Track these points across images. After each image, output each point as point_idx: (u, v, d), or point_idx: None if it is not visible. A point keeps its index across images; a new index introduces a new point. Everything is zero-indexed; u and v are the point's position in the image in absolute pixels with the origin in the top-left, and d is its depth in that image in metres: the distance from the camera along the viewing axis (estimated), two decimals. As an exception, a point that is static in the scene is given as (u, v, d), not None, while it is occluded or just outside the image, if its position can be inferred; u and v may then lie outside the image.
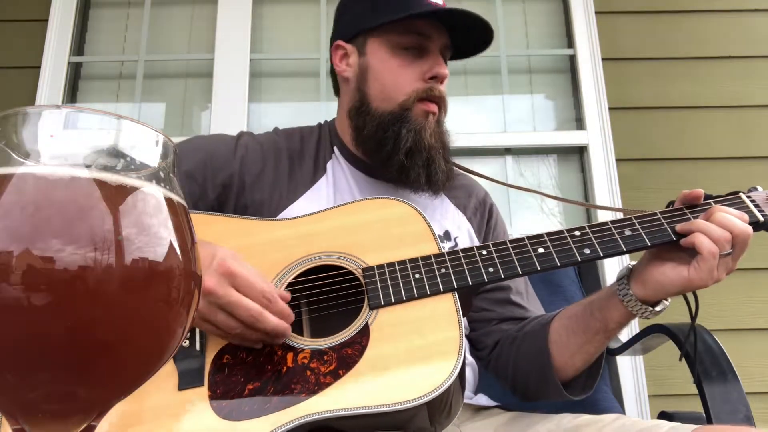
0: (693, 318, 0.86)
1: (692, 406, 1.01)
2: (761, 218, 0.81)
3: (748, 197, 0.83)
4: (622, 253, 0.80)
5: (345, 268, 0.81)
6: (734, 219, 0.77)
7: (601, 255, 0.80)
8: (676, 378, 1.68)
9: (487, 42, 1.02)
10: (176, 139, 0.40)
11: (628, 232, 0.81)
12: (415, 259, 0.80)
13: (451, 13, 0.95)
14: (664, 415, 1.09)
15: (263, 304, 0.71)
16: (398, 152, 0.94)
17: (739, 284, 1.79)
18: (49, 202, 0.26)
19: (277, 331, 0.72)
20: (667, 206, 0.87)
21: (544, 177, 2.05)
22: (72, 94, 2.07)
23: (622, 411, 1.18)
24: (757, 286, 1.81)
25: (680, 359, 0.91)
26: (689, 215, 0.81)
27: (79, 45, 2.11)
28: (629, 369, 1.72)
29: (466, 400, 0.93)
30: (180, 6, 2.19)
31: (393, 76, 0.97)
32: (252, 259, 0.80)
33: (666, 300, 0.82)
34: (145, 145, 0.30)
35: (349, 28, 1.03)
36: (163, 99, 2.13)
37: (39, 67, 1.98)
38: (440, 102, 0.98)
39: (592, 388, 0.91)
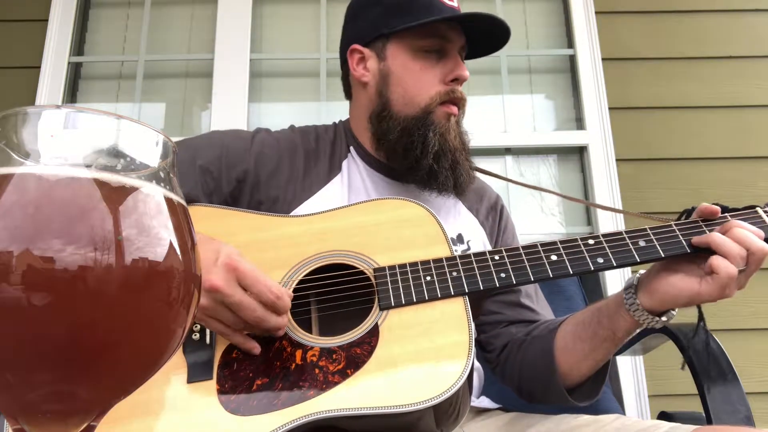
0: (699, 325, 0.86)
1: (692, 406, 1.01)
2: None
3: (765, 212, 0.82)
4: (636, 263, 0.79)
5: (356, 268, 0.80)
6: (751, 236, 0.76)
7: (615, 265, 0.78)
8: (676, 378, 1.68)
9: (502, 42, 1.02)
10: (176, 139, 0.40)
11: (642, 243, 0.80)
12: (427, 262, 0.79)
13: (473, 17, 0.96)
14: (664, 415, 1.10)
15: (269, 301, 0.71)
16: (426, 156, 0.94)
17: (739, 284, 1.78)
18: (50, 202, 0.26)
19: (278, 327, 0.73)
20: (681, 215, 0.86)
21: (544, 177, 2.05)
22: (72, 94, 2.07)
23: (622, 411, 1.18)
24: (757, 286, 1.81)
25: (682, 368, 0.91)
26: (705, 229, 0.80)
27: (79, 45, 2.11)
28: (629, 369, 1.73)
29: (469, 403, 0.93)
30: (180, 6, 2.19)
31: (415, 80, 0.97)
32: (264, 254, 0.80)
33: (672, 310, 0.81)
34: (145, 145, 0.30)
35: (365, 32, 1.02)
36: (163, 99, 2.13)
37: (39, 67, 1.98)
38: (461, 103, 0.99)
39: (598, 394, 0.90)
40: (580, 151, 2.02)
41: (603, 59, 2.02)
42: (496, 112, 2.10)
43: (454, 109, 0.97)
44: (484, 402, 1.01)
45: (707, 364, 0.95)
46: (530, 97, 2.14)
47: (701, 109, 1.98)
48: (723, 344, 0.98)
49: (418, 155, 0.95)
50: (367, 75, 1.01)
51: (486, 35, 1.00)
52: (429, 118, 0.95)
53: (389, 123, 0.97)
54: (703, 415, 0.91)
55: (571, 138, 2.01)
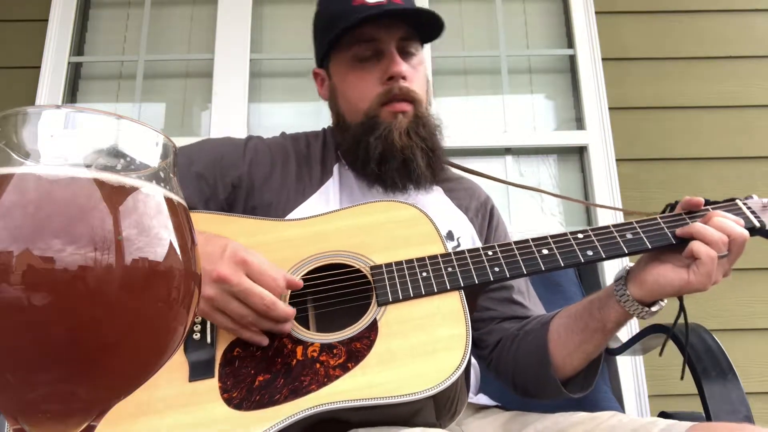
0: (680, 314, 0.88)
1: (692, 406, 1.01)
2: (757, 224, 0.83)
3: (744, 204, 0.86)
4: (624, 255, 0.82)
5: (353, 267, 0.82)
6: (731, 223, 0.80)
7: (604, 257, 0.81)
8: (676, 378, 1.68)
9: (435, 25, 1.00)
10: (176, 139, 0.40)
11: (629, 235, 0.83)
12: (423, 258, 0.81)
13: (382, 15, 0.94)
14: (664, 416, 1.09)
15: (275, 292, 0.73)
16: (370, 162, 0.96)
17: (738, 284, 1.79)
18: (50, 202, 0.26)
19: (287, 317, 0.73)
20: (665, 209, 0.89)
21: (544, 177, 2.05)
22: (72, 94, 2.07)
23: (622, 411, 1.18)
24: (756, 286, 1.81)
25: (682, 378, 0.92)
26: (688, 220, 0.84)
27: (79, 45, 2.11)
28: (629, 369, 1.73)
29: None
30: (180, 6, 2.19)
31: (354, 89, 0.99)
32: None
33: (662, 300, 0.84)
34: (145, 145, 0.30)
35: (318, 55, 1.08)
36: (163, 99, 2.13)
37: (39, 67, 1.98)
38: (407, 98, 0.97)
39: (591, 386, 0.92)
40: (580, 151, 2.02)
41: (603, 59, 2.02)
42: (496, 112, 2.10)
43: (400, 106, 0.96)
44: (483, 399, 1.02)
45: (707, 364, 0.95)
46: (530, 97, 2.14)
47: (701, 109, 1.98)
48: (723, 344, 0.98)
49: (363, 161, 0.97)
50: (326, 94, 1.07)
51: (418, 24, 1.00)
52: (373, 122, 0.96)
53: (344, 134, 1.01)
54: (703, 415, 0.91)
55: (571, 138, 2.01)
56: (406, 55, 0.99)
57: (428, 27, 1.00)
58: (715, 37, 2.05)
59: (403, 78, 0.96)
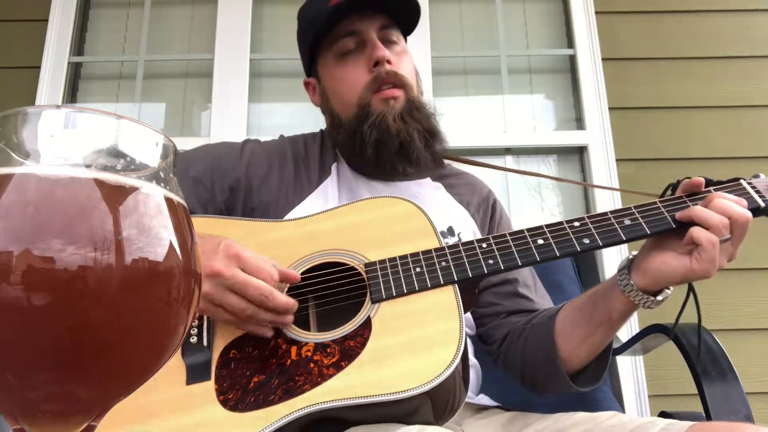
0: (683, 310, 0.87)
1: (692, 406, 1.01)
2: (762, 203, 0.80)
3: (749, 183, 0.83)
4: (622, 242, 0.79)
5: (348, 265, 0.82)
6: (732, 204, 0.77)
7: (600, 244, 0.79)
8: (676, 378, 1.68)
9: (415, 10, 1.02)
10: (176, 139, 0.40)
11: (627, 221, 0.80)
12: (416, 254, 0.81)
13: (351, 4, 0.95)
14: (664, 416, 1.09)
15: (270, 284, 0.73)
16: (366, 150, 0.96)
17: (739, 284, 1.79)
18: (50, 202, 0.26)
19: (287, 308, 0.74)
20: (665, 191, 0.87)
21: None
22: (72, 94, 2.07)
23: (622, 411, 1.17)
24: (757, 286, 1.81)
25: (692, 364, 0.90)
26: (689, 203, 0.81)
27: (79, 45, 2.11)
28: (629, 369, 1.73)
29: (467, 400, 0.94)
30: (180, 6, 2.19)
31: (343, 84, 1.00)
32: None
33: (668, 289, 0.81)
34: (145, 145, 0.30)
35: (305, 65, 1.10)
36: (163, 99, 2.13)
37: (39, 67, 1.99)
38: (395, 81, 0.98)
39: (600, 379, 0.90)
40: (580, 151, 2.02)
41: (603, 59, 2.02)
42: (496, 112, 2.10)
43: (390, 92, 0.97)
44: (483, 400, 1.01)
45: (707, 364, 0.94)
46: (530, 97, 2.14)
47: (701, 109, 1.98)
48: (723, 344, 0.98)
49: (359, 151, 0.97)
50: (318, 100, 1.09)
51: (395, 13, 1.01)
52: (366, 112, 0.97)
53: (340, 130, 1.02)
54: (703, 414, 0.91)
55: (571, 138, 2.01)
56: (388, 43, 1.00)
57: (405, 14, 1.02)
58: (714, 37, 2.05)
59: (389, 62, 0.97)
